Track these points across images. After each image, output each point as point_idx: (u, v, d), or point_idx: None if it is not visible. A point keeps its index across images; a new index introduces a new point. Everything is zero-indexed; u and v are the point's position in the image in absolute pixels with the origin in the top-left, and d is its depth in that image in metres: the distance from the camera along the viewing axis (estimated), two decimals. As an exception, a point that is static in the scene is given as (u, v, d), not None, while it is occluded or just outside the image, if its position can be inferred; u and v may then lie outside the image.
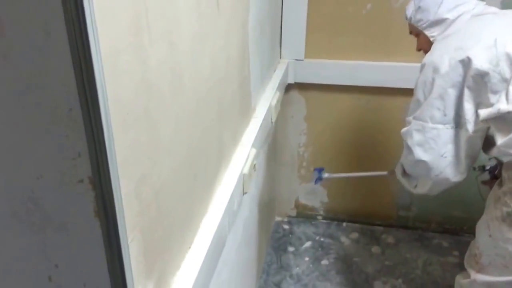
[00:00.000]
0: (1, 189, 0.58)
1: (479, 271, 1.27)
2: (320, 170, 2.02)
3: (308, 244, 2.21)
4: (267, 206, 2.02)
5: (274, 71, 1.87)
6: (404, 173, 1.44)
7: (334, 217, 2.36)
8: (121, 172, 0.59)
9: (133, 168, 0.65)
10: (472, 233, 1.36)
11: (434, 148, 1.25)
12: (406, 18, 1.39)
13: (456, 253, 2.12)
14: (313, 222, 2.36)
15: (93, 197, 0.56)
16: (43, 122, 0.52)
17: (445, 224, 2.26)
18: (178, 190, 0.84)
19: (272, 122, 1.68)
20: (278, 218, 2.39)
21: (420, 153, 1.27)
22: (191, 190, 0.92)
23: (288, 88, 2.06)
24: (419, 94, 1.27)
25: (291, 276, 2.02)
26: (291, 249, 2.18)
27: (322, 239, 2.25)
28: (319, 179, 1.98)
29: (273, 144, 2.04)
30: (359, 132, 2.14)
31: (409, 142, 1.29)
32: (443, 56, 1.21)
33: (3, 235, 0.62)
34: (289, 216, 2.40)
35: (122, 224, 0.60)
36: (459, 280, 1.36)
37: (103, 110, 0.53)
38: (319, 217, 2.38)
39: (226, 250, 1.16)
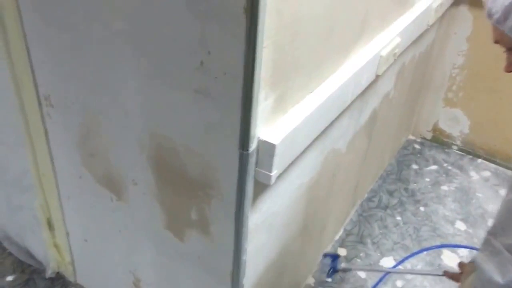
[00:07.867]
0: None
1: None
2: (335, 258, 1.43)
3: (433, 167, 2.19)
4: (401, 118, 2.02)
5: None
6: None
7: (471, 151, 2.26)
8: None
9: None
10: None
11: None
12: (489, 16, 0.89)
13: None
14: (446, 150, 2.30)
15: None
16: None
17: None
18: (313, 34, 0.94)
19: (428, 25, 1.64)
20: (411, 137, 2.38)
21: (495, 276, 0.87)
22: (325, 42, 1.01)
23: (458, 2, 1.93)
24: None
25: (406, 189, 2.05)
26: (414, 167, 2.19)
27: (449, 167, 2.19)
28: (334, 270, 1.43)
29: (425, 59, 1.99)
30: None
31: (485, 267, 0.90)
32: None
33: (170, 20, 0.81)
34: (423, 138, 2.37)
35: (261, 28, 0.75)
36: None
37: None
38: (454, 147, 2.30)
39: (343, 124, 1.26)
